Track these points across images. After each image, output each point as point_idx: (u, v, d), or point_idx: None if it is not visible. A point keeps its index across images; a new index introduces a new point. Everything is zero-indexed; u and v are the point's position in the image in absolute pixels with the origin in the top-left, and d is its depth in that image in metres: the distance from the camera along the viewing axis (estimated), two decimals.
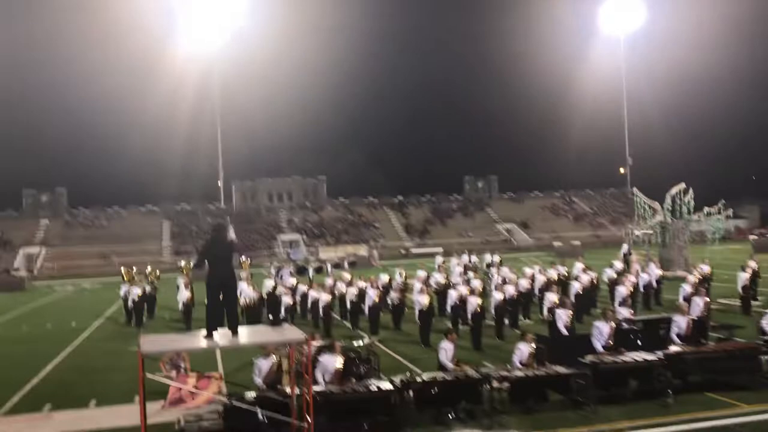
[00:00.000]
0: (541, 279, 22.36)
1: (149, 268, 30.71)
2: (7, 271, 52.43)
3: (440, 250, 41.04)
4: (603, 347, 12.39)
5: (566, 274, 23.90)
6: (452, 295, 19.41)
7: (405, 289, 22.40)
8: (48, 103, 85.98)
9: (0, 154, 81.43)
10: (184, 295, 22.07)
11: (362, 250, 59.90)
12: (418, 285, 21.02)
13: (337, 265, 30.65)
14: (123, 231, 69.42)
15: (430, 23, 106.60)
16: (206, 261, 9.37)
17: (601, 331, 12.63)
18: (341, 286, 22.40)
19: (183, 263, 30.32)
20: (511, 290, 19.33)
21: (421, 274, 23.50)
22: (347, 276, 24.33)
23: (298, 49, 78.93)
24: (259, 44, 73.73)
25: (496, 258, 29.63)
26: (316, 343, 12.28)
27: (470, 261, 29.47)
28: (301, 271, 29.60)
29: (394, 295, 20.64)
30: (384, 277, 23.92)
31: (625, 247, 28.65)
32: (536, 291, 21.93)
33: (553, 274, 23.31)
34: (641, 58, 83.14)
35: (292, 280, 24.13)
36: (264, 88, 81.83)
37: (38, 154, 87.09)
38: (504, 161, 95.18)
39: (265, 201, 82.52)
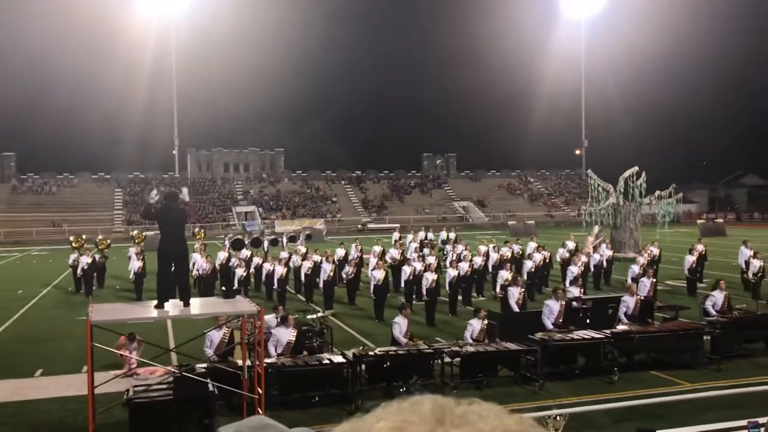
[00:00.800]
0: (494, 256, 22.63)
1: (100, 237, 30.18)
2: None
3: (397, 226, 41.10)
4: (553, 325, 12.63)
5: (520, 252, 24.24)
6: (406, 271, 19.54)
7: (360, 263, 22.44)
8: None
9: None
10: (135, 264, 21.86)
11: (319, 224, 59.71)
12: (373, 260, 21.08)
13: (293, 238, 30.38)
14: (74, 198, 67.78)
15: (394, 1, 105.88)
16: (157, 225, 9.19)
17: (552, 309, 12.87)
18: (296, 259, 22.34)
19: (135, 232, 29.80)
20: (465, 267, 19.50)
21: (377, 249, 23.57)
22: (302, 249, 24.24)
23: (259, 18, 77.62)
24: (219, 12, 72.35)
25: (452, 235, 29.85)
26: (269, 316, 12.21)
27: (426, 237, 29.62)
28: (255, 243, 29.30)
29: (348, 269, 20.65)
30: (340, 252, 23.88)
31: (596, 229, 28.68)
32: (489, 268, 22.21)
33: (506, 252, 23.60)
34: (601, 41, 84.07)
35: (247, 252, 23.96)
36: (223, 57, 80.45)
37: None
38: (463, 140, 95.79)
39: (221, 172, 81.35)
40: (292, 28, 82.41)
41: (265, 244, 29.77)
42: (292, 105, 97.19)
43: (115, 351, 10.90)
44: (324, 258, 20.52)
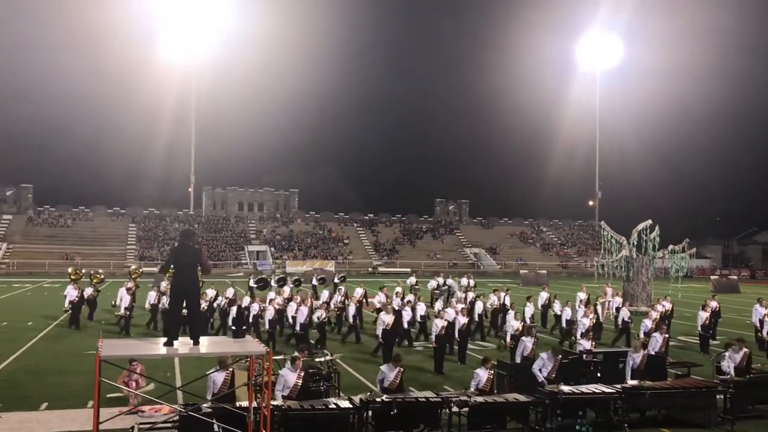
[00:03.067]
0: (479, 306, 22.43)
1: (92, 270, 30.47)
2: None
3: (408, 270, 41.08)
4: (545, 379, 12.40)
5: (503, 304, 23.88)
6: (407, 316, 19.88)
7: (343, 308, 22.83)
8: (23, 99, 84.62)
9: None
10: (126, 299, 22.46)
11: (329, 266, 59.71)
12: (379, 303, 21.11)
13: (297, 281, 30.32)
14: (88, 232, 68.34)
15: (412, 49, 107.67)
16: (171, 266, 9.23)
17: (545, 362, 12.67)
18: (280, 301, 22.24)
19: (132, 267, 29.98)
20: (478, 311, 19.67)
21: (380, 295, 23.81)
22: (286, 290, 24.68)
23: (278, 63, 79.19)
24: (239, 56, 73.96)
25: (471, 282, 29.90)
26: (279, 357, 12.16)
27: (445, 284, 29.65)
28: (262, 284, 29.28)
29: (321, 313, 20.17)
30: (325, 294, 24.22)
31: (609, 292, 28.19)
32: (476, 317, 21.93)
33: (494, 300, 23.73)
34: (616, 94, 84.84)
35: (272, 293, 24.05)
36: (241, 99, 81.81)
37: (5, 151, 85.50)
38: (476, 187, 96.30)
39: (235, 210, 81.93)
40: (309, 74, 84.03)
41: (272, 282, 29.65)
42: (308, 147, 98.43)
43: (123, 387, 10.85)
44: (300, 302, 20.47)
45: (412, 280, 30.61)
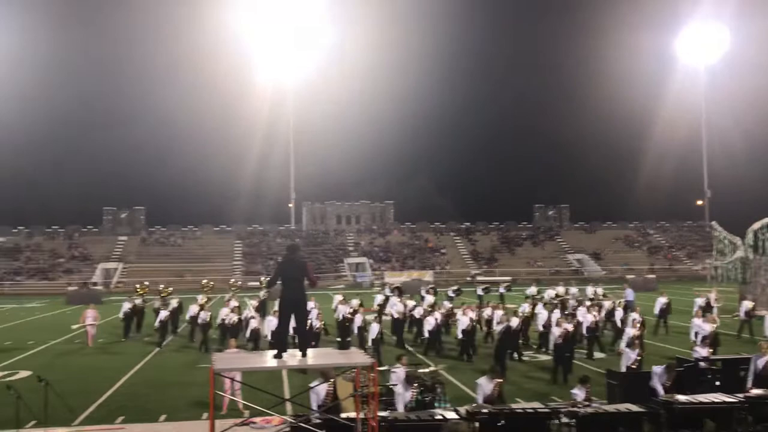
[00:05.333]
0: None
1: (162, 285, 32.15)
2: (86, 284, 54.60)
3: (508, 278, 40.45)
4: (662, 387, 11.88)
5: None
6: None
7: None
8: (131, 127, 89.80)
9: (84, 174, 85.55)
10: (162, 313, 23.85)
11: (427, 276, 59.68)
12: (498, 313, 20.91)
13: (398, 290, 30.21)
14: (197, 250, 71.44)
15: (503, 50, 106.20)
16: (278, 281, 9.52)
17: (659, 377, 12.14)
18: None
19: (162, 286, 31.09)
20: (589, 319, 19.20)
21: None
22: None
23: (371, 77, 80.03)
24: (333, 73, 75.41)
25: (600, 290, 28.98)
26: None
27: (567, 292, 29.07)
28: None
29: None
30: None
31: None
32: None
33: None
34: (722, 88, 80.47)
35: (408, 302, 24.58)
36: (336, 115, 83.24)
37: (120, 175, 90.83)
38: (576, 191, 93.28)
39: (333, 224, 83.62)
40: (401, 88, 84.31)
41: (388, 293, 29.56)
42: (402, 158, 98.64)
43: (236, 399, 11.21)
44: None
45: (533, 290, 29.94)
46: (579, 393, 11.73)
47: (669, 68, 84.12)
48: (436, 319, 20.63)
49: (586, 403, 11.47)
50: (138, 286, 30.29)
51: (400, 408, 11.09)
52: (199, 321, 23.05)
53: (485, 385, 11.84)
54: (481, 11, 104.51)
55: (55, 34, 77.51)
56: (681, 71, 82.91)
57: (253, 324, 20.71)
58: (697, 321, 18.82)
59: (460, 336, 19.90)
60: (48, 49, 77.93)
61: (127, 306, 25.99)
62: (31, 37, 75.16)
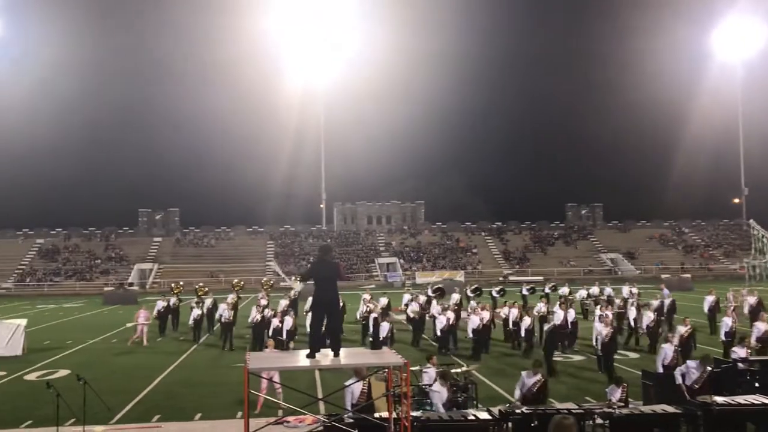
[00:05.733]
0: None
1: (199, 284, 32.18)
2: (122, 285, 55.57)
3: (540, 278, 40.11)
4: (687, 387, 11.69)
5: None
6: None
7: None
8: (166, 131, 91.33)
9: (120, 177, 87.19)
10: (195, 312, 24.89)
11: (459, 276, 59.50)
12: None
13: (440, 290, 30.01)
14: (230, 250, 72.21)
15: (535, 49, 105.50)
16: (312, 280, 9.60)
17: (690, 370, 11.94)
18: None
19: (200, 284, 31.16)
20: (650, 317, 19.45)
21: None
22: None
23: (400, 78, 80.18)
24: (362, 75, 75.58)
25: (635, 290, 28.65)
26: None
27: (602, 293, 28.79)
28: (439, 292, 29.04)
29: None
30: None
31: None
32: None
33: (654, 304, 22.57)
34: (760, 83, 78.73)
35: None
36: (366, 116, 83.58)
37: (155, 177, 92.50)
38: (609, 189, 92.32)
39: (364, 224, 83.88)
40: (431, 88, 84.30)
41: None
42: (432, 158, 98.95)
43: (272, 398, 11.31)
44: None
45: (565, 290, 29.70)
46: (614, 393, 11.60)
47: (705, 64, 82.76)
48: (448, 319, 20.66)
49: (621, 404, 11.34)
50: (173, 284, 30.80)
51: (439, 407, 11.08)
52: (223, 320, 23.29)
53: (526, 379, 11.76)
54: (514, 11, 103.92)
55: (93, 39, 79.25)
56: (717, 67, 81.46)
57: (288, 323, 20.82)
58: (728, 320, 18.61)
59: (470, 335, 20.06)
60: (85, 55, 79.73)
61: (161, 305, 26.93)
62: (69, 42, 76.88)
